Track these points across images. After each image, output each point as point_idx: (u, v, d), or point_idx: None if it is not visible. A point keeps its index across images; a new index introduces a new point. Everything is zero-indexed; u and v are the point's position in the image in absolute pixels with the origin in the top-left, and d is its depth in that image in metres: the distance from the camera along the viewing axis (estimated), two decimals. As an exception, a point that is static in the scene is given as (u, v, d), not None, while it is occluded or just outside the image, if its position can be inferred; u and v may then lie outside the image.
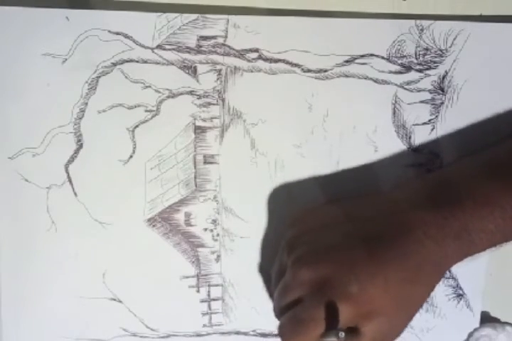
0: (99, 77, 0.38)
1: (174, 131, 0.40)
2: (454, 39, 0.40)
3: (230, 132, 0.40)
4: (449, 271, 0.42)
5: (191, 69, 0.39)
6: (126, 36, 0.38)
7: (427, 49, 0.40)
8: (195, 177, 0.40)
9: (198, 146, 0.40)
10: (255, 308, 0.42)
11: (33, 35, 0.37)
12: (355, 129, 0.41)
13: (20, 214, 0.39)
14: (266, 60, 0.39)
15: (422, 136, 0.41)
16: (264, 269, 0.41)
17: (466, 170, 0.37)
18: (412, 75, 0.41)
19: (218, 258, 0.41)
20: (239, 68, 0.39)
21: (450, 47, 0.41)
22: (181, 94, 0.39)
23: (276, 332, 0.41)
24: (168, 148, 0.40)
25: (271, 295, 0.39)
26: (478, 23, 0.40)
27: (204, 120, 0.40)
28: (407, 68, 0.41)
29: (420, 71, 0.41)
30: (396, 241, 0.34)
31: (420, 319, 0.43)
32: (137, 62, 0.39)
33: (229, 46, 0.39)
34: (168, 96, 0.39)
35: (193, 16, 0.38)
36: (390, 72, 0.41)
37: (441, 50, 0.41)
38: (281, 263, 0.37)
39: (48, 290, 0.40)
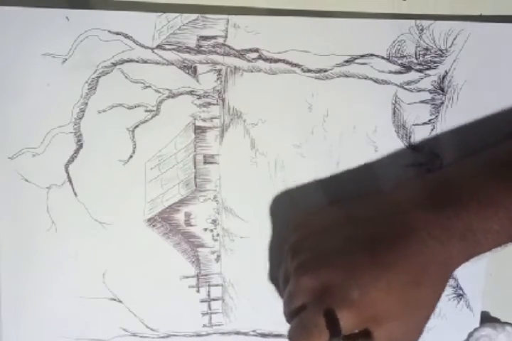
0: (99, 77, 0.38)
1: (174, 131, 0.40)
2: (454, 39, 0.40)
3: (230, 132, 0.40)
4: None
5: (191, 69, 0.39)
6: (126, 36, 0.38)
7: (427, 49, 0.40)
8: (195, 177, 0.40)
9: (198, 146, 0.40)
10: (255, 308, 0.42)
11: (33, 35, 0.37)
12: (355, 129, 0.41)
13: (20, 214, 0.39)
14: (266, 60, 0.39)
15: (422, 136, 0.41)
16: (269, 273, 0.41)
17: (467, 170, 0.36)
18: (412, 75, 0.41)
19: (218, 258, 0.41)
20: (239, 68, 0.39)
21: (450, 47, 0.41)
22: (181, 94, 0.39)
23: (276, 332, 0.41)
24: (168, 148, 0.40)
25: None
26: (478, 23, 0.40)
27: (204, 120, 0.40)
28: (407, 68, 0.41)
29: (420, 71, 0.41)
30: (398, 242, 0.34)
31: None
32: (137, 62, 0.39)
33: (229, 46, 0.39)
34: (168, 96, 0.39)
35: (193, 16, 0.38)
36: (390, 72, 0.41)
37: (441, 50, 0.41)
38: (286, 268, 0.37)
39: (48, 290, 0.40)
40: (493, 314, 0.44)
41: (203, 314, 0.41)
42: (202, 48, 0.39)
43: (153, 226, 0.40)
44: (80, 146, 0.39)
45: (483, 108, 0.41)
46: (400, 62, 0.40)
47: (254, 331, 0.42)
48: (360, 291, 0.32)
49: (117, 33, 0.38)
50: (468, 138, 0.42)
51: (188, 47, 0.39)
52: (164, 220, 0.40)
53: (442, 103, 0.41)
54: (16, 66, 0.38)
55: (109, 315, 0.40)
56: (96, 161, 0.39)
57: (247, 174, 0.40)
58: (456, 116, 0.41)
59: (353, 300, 0.32)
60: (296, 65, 0.40)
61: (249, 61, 0.39)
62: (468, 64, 0.41)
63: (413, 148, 0.41)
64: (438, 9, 0.40)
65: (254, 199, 0.41)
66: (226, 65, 0.39)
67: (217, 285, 0.41)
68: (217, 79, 0.39)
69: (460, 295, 0.43)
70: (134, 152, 0.39)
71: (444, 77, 0.41)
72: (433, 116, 0.41)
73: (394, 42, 0.40)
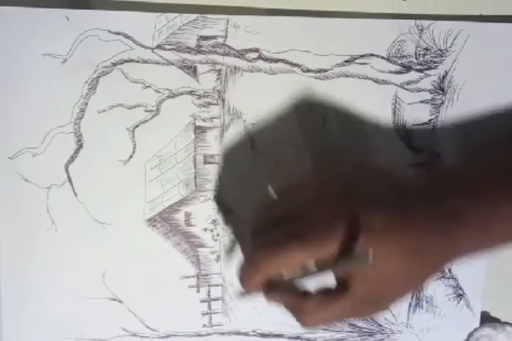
0: (99, 77, 0.38)
1: (174, 131, 0.40)
2: (454, 39, 0.40)
3: (230, 132, 0.40)
4: (449, 271, 0.42)
5: (191, 69, 0.39)
6: (126, 36, 0.38)
7: (427, 49, 0.40)
8: (195, 177, 0.40)
9: (198, 146, 0.40)
10: (255, 308, 0.42)
11: (33, 35, 0.37)
12: (355, 129, 0.41)
13: (21, 214, 0.39)
14: (266, 60, 0.39)
15: (422, 136, 0.41)
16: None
17: (486, 163, 0.36)
18: (412, 75, 0.41)
19: (218, 258, 0.41)
20: (239, 68, 0.39)
21: (450, 47, 0.41)
22: (181, 94, 0.39)
23: (276, 332, 0.41)
24: (168, 148, 0.40)
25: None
26: (478, 23, 0.40)
27: (204, 120, 0.40)
28: (407, 68, 0.41)
29: (420, 71, 0.41)
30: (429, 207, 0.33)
31: (420, 319, 0.43)
32: (137, 62, 0.39)
33: (229, 46, 0.39)
34: (168, 96, 0.39)
35: (193, 16, 0.38)
36: (390, 72, 0.41)
37: (441, 50, 0.41)
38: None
39: (48, 290, 0.40)
40: (493, 314, 0.44)
41: (203, 314, 0.41)
42: (202, 48, 0.39)
43: (153, 226, 0.40)
44: (80, 146, 0.39)
45: (483, 108, 0.41)
46: (400, 62, 0.40)
47: (254, 331, 0.42)
48: (383, 226, 0.31)
49: (117, 33, 0.38)
50: (468, 138, 0.42)
51: (188, 47, 0.39)
52: (164, 220, 0.40)
53: (442, 103, 0.41)
54: (16, 66, 0.38)
55: (109, 315, 0.40)
56: (96, 161, 0.39)
57: (247, 174, 0.40)
58: (456, 116, 0.41)
59: (375, 227, 0.31)
60: (296, 65, 0.40)
61: (249, 61, 0.39)
62: (468, 64, 0.41)
63: (413, 148, 0.41)
64: (438, 9, 0.40)
65: (254, 199, 0.41)
66: (226, 64, 0.39)
67: (217, 285, 0.41)
68: (217, 79, 0.39)
69: (460, 295, 0.43)
70: (134, 152, 0.39)
71: (444, 77, 0.41)
72: (433, 116, 0.41)
73: (394, 42, 0.40)
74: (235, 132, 0.40)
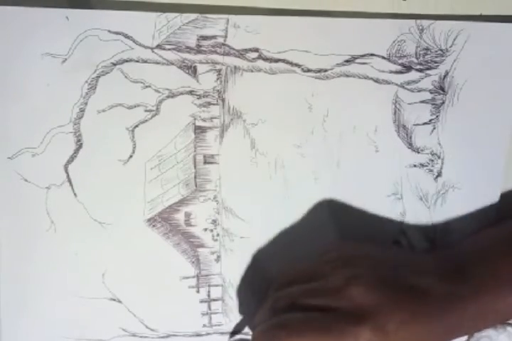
0: (99, 76, 0.38)
1: (174, 131, 0.40)
2: (454, 39, 0.40)
3: (230, 132, 0.40)
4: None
5: (191, 69, 0.39)
6: (126, 36, 0.38)
7: (427, 49, 0.40)
8: (195, 177, 0.40)
9: (198, 146, 0.40)
10: (255, 308, 0.41)
11: (33, 35, 0.37)
12: (356, 129, 0.41)
13: (20, 214, 0.39)
14: (266, 59, 0.39)
15: (422, 136, 0.41)
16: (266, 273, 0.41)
17: (482, 247, 0.38)
18: (413, 75, 0.41)
19: (218, 259, 0.41)
20: (239, 68, 0.39)
21: (450, 47, 0.41)
22: (181, 94, 0.39)
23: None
24: (168, 148, 0.40)
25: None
26: (478, 23, 0.40)
27: (204, 120, 0.40)
28: (408, 68, 0.41)
29: (421, 71, 0.41)
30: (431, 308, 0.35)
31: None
32: (137, 62, 0.39)
33: (229, 46, 0.39)
34: (168, 96, 0.39)
35: (193, 16, 0.38)
36: (391, 71, 0.41)
37: (441, 50, 0.41)
38: (315, 270, 0.37)
39: (47, 290, 0.40)
40: (493, 314, 0.43)
41: (203, 314, 0.41)
42: (202, 48, 0.39)
43: (153, 226, 0.40)
44: (80, 146, 0.39)
45: (484, 108, 0.41)
46: (400, 61, 0.40)
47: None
48: (397, 327, 0.33)
49: (117, 33, 0.38)
50: (469, 138, 0.41)
51: (188, 47, 0.39)
52: (164, 220, 0.40)
53: (443, 103, 0.41)
54: (15, 66, 0.38)
55: (109, 315, 0.40)
56: (96, 161, 0.39)
57: (247, 174, 0.40)
58: (456, 116, 0.41)
59: (388, 331, 0.33)
60: (296, 65, 0.40)
61: (249, 61, 0.39)
62: (468, 64, 0.41)
63: (413, 148, 0.41)
64: (438, 9, 0.40)
65: (254, 199, 0.41)
66: (226, 64, 0.39)
67: (217, 286, 0.41)
68: (217, 79, 0.39)
69: (461, 296, 0.42)
70: (133, 152, 0.39)
71: (444, 77, 0.41)
72: (433, 116, 0.41)
73: (394, 42, 0.40)
74: (235, 132, 0.40)
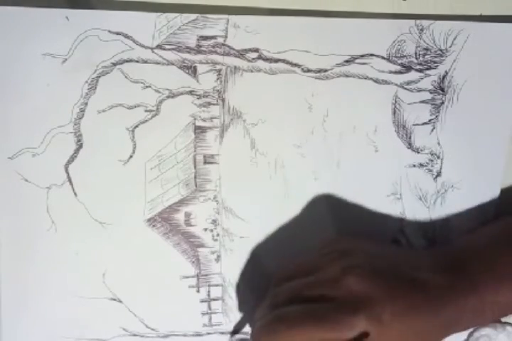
0: (99, 77, 0.38)
1: (174, 131, 0.40)
2: (454, 39, 0.40)
3: (230, 132, 0.40)
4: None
5: (191, 69, 0.39)
6: (126, 36, 0.38)
7: (427, 49, 0.40)
8: (195, 177, 0.40)
9: (198, 146, 0.40)
10: (255, 308, 0.41)
11: (33, 35, 0.37)
12: (355, 129, 0.41)
13: (20, 214, 0.39)
14: (266, 60, 0.39)
15: (422, 136, 0.41)
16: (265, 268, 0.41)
17: (480, 242, 0.39)
18: (412, 75, 0.41)
19: (218, 258, 0.41)
20: (239, 68, 0.39)
21: (450, 47, 0.41)
22: (181, 94, 0.39)
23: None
24: (168, 148, 0.40)
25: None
26: (478, 23, 0.40)
27: (204, 120, 0.40)
28: (407, 68, 0.41)
29: (420, 71, 0.41)
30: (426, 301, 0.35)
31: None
32: (137, 62, 0.39)
33: (229, 46, 0.39)
34: (168, 96, 0.39)
35: (193, 16, 0.38)
36: (390, 72, 0.41)
37: (441, 50, 0.41)
38: (314, 263, 0.37)
39: (48, 290, 0.40)
40: (493, 314, 0.44)
41: (203, 314, 0.42)
42: (202, 48, 0.39)
43: (153, 226, 0.40)
44: (80, 146, 0.39)
45: (483, 108, 0.41)
46: (400, 62, 0.40)
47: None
48: (392, 318, 0.34)
49: (117, 33, 0.38)
50: (468, 138, 0.42)
51: (188, 47, 0.39)
52: (164, 220, 0.40)
53: (442, 103, 0.41)
54: (15, 66, 0.38)
55: (109, 315, 0.40)
56: (96, 161, 0.39)
57: (247, 174, 0.40)
58: (456, 116, 0.41)
59: (383, 321, 0.33)
60: (296, 65, 0.40)
61: (249, 61, 0.39)
62: (468, 64, 0.41)
63: (413, 148, 0.41)
64: (438, 9, 0.40)
65: (254, 199, 0.41)
66: (226, 64, 0.39)
67: (217, 285, 0.41)
68: (217, 79, 0.39)
69: (460, 295, 0.43)
70: (134, 152, 0.39)
71: (444, 77, 0.41)
72: (433, 116, 0.41)
73: (394, 42, 0.40)
74: (235, 132, 0.40)
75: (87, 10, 0.38)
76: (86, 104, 0.39)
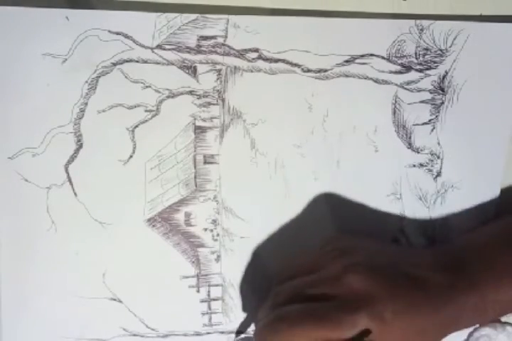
0: (99, 77, 0.38)
1: (174, 131, 0.40)
2: (454, 39, 0.40)
3: (230, 132, 0.40)
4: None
5: (191, 69, 0.39)
6: (126, 36, 0.38)
7: (427, 49, 0.40)
8: (195, 177, 0.40)
9: (198, 146, 0.40)
10: (255, 308, 0.41)
11: (33, 35, 0.37)
12: (355, 129, 0.41)
13: (20, 214, 0.39)
14: (266, 60, 0.39)
15: (422, 136, 0.41)
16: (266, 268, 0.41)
17: (481, 240, 0.39)
18: (412, 75, 0.41)
19: (218, 258, 0.41)
20: (239, 68, 0.39)
21: (450, 47, 0.41)
22: (181, 94, 0.39)
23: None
24: (168, 148, 0.40)
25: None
26: (478, 23, 0.40)
27: (204, 120, 0.40)
28: (407, 68, 0.41)
29: (420, 71, 0.41)
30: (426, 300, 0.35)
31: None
32: (137, 62, 0.39)
33: (229, 46, 0.39)
34: (168, 96, 0.39)
35: (193, 16, 0.38)
36: (390, 72, 0.41)
37: (441, 50, 0.41)
38: (314, 260, 0.37)
39: (48, 290, 0.40)
40: (493, 314, 0.44)
41: (203, 314, 0.42)
42: (202, 48, 0.39)
43: (153, 226, 0.40)
44: (80, 146, 0.39)
45: (483, 108, 0.41)
46: (400, 62, 0.40)
47: (254, 331, 0.42)
48: (393, 316, 0.34)
49: (117, 33, 0.38)
50: (468, 138, 0.42)
51: (188, 47, 0.39)
52: (164, 220, 0.40)
53: (442, 103, 0.41)
54: (15, 66, 0.38)
55: (109, 315, 0.40)
56: (96, 161, 0.39)
57: (247, 174, 0.40)
58: (456, 116, 0.41)
59: (385, 319, 0.33)
60: (296, 65, 0.40)
61: (249, 61, 0.39)
62: (468, 64, 0.41)
63: (413, 148, 0.42)
64: (438, 9, 0.40)
65: (254, 199, 0.41)
66: (226, 64, 0.39)
67: (217, 285, 0.41)
68: (217, 79, 0.39)
69: (460, 295, 0.43)
70: (134, 152, 0.39)
71: (444, 77, 0.41)
72: (433, 116, 0.41)
73: (394, 42, 0.40)
74: (235, 132, 0.40)
75: (87, 10, 0.38)
76: (86, 104, 0.39)
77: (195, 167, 0.40)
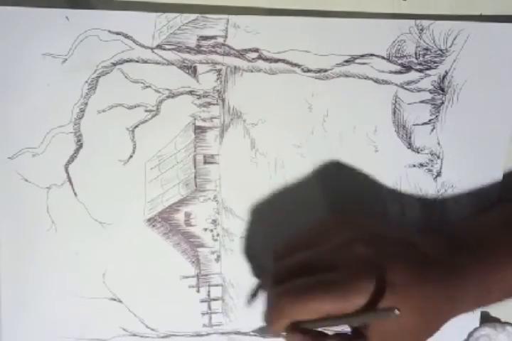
0: (99, 77, 0.38)
1: (174, 131, 0.40)
2: (454, 39, 0.40)
3: (230, 132, 0.40)
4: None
5: (191, 69, 0.39)
6: (126, 36, 0.38)
7: (427, 49, 0.40)
8: (195, 177, 0.40)
9: (198, 146, 0.40)
10: (255, 308, 0.41)
11: (33, 35, 0.37)
12: (355, 129, 0.41)
13: (21, 214, 0.39)
14: (266, 60, 0.39)
15: (422, 136, 0.41)
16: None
17: (486, 223, 0.39)
18: (412, 75, 0.41)
19: (218, 258, 0.41)
20: (239, 68, 0.39)
21: (450, 47, 0.41)
22: (181, 94, 0.39)
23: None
24: (168, 148, 0.40)
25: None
26: (478, 23, 0.40)
27: (204, 120, 0.40)
28: (407, 68, 0.41)
29: (420, 71, 0.41)
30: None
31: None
32: (137, 62, 0.39)
33: (229, 46, 0.39)
34: (168, 96, 0.39)
35: (193, 16, 0.38)
36: (390, 72, 0.41)
37: (441, 50, 0.41)
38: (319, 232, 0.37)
39: (47, 290, 0.40)
40: (493, 314, 0.43)
41: (203, 314, 0.41)
42: (202, 48, 0.39)
43: (153, 226, 0.40)
44: (80, 146, 0.39)
45: (483, 108, 0.41)
46: (400, 62, 0.40)
47: (254, 331, 0.42)
48: (403, 282, 0.33)
49: (117, 33, 0.38)
50: (468, 138, 0.42)
51: (188, 47, 0.39)
52: (164, 220, 0.40)
53: (442, 103, 0.41)
54: (16, 66, 0.38)
55: (109, 315, 0.40)
56: (96, 161, 0.39)
57: (247, 174, 0.40)
58: (456, 116, 0.41)
59: (395, 283, 0.33)
60: (296, 65, 0.40)
61: (249, 61, 0.39)
62: (468, 64, 0.41)
63: (413, 148, 0.41)
64: (438, 9, 0.40)
65: (254, 199, 0.41)
66: (226, 64, 0.39)
67: (217, 285, 0.41)
68: (217, 79, 0.39)
69: (460, 295, 0.43)
70: (134, 152, 0.39)
71: (444, 77, 0.41)
72: (433, 116, 0.41)
73: (394, 42, 0.40)
74: (235, 132, 0.40)
75: (87, 10, 0.38)
76: (86, 104, 0.39)
77: (195, 167, 0.40)
